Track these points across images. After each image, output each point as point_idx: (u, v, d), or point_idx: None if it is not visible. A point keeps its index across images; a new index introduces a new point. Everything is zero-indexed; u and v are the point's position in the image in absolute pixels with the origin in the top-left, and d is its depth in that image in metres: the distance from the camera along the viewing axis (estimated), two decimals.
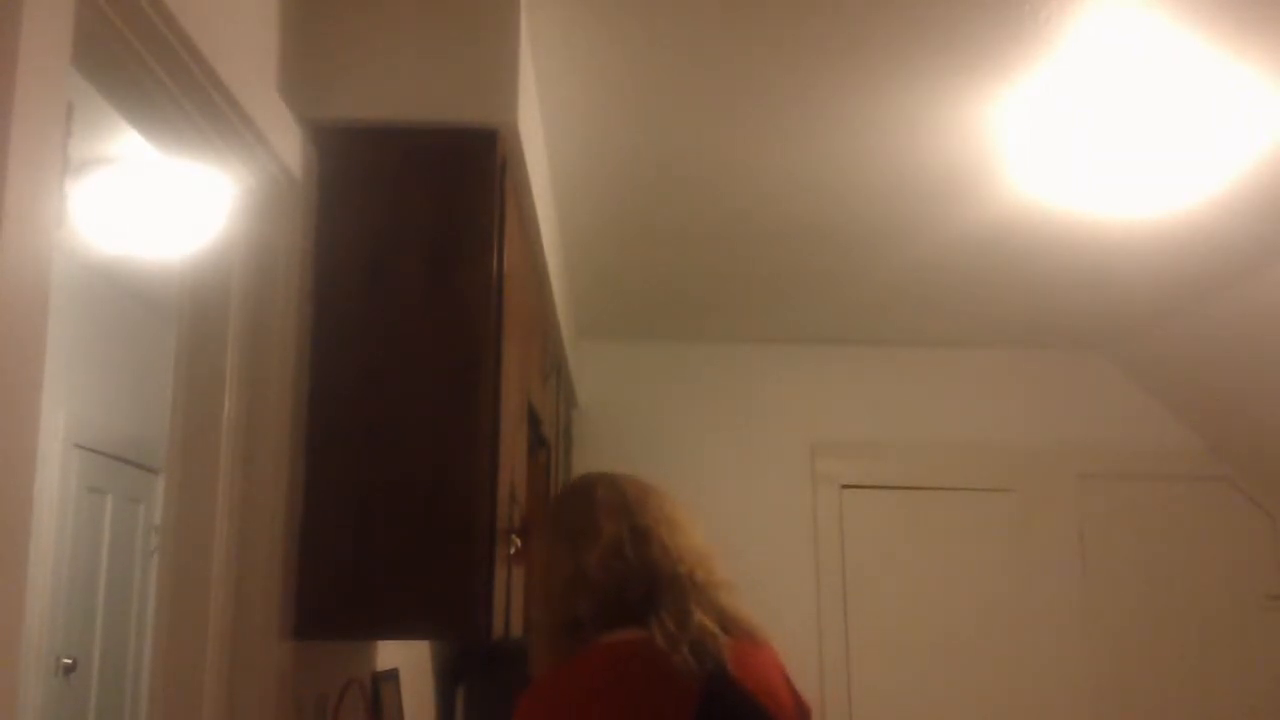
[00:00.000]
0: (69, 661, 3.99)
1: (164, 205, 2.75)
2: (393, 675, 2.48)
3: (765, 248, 3.97)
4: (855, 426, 5.27)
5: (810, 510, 5.17)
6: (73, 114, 1.24)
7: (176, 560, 1.78)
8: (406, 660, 2.73)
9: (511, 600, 2.34)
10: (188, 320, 1.86)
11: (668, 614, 1.66)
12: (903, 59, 2.61)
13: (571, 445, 4.87)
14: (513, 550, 2.25)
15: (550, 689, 1.65)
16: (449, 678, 3.46)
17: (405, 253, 2.00)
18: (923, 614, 5.06)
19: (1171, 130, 2.92)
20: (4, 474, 1.05)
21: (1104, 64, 2.60)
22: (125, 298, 4.30)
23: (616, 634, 1.66)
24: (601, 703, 1.57)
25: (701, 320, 5.00)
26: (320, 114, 2.02)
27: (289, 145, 1.90)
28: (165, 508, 1.84)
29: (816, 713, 1.84)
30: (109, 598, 4.33)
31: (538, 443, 3.17)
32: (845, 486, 5.22)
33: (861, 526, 5.15)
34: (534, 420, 2.88)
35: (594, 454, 5.06)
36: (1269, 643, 5.12)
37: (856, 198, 3.47)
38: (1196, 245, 3.77)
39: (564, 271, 3.87)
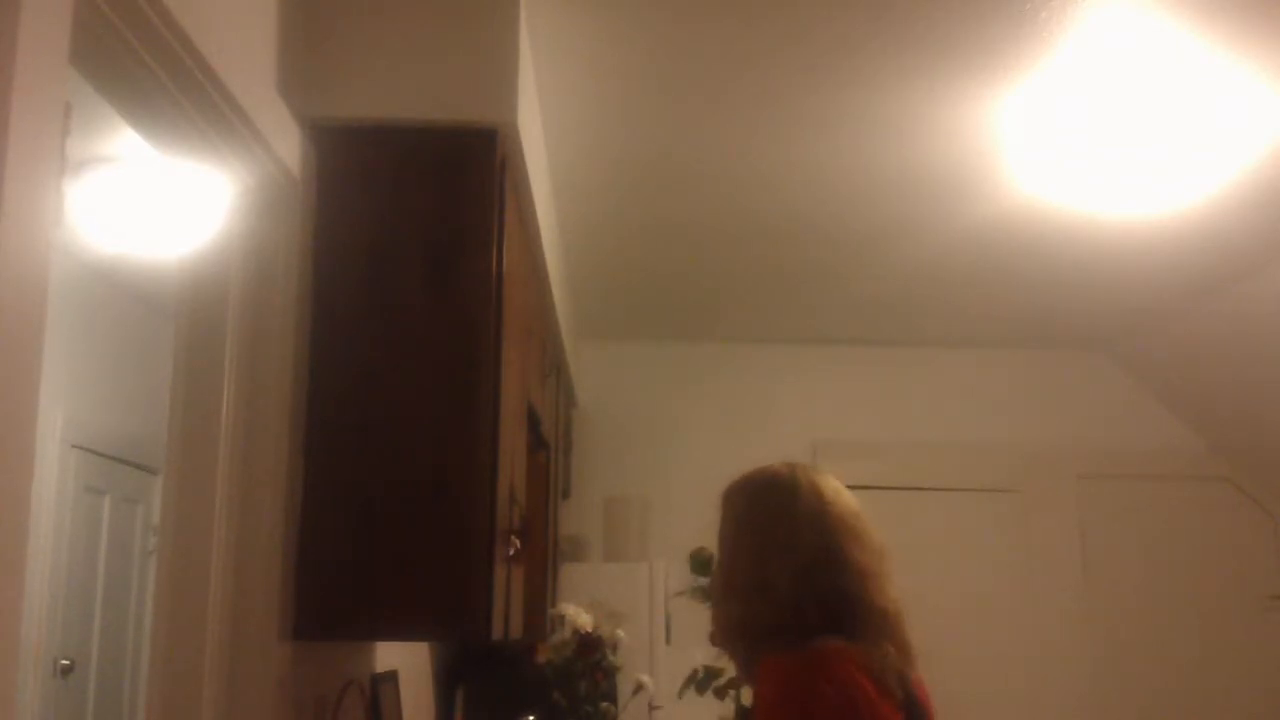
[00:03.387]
0: (67, 662, 3.99)
1: (163, 205, 2.74)
2: (392, 677, 2.47)
3: (765, 247, 3.96)
4: (856, 426, 5.27)
5: None
6: (71, 113, 1.24)
7: (175, 561, 1.77)
8: (406, 661, 2.72)
9: (511, 600, 2.34)
10: (186, 320, 1.85)
11: (864, 638, 1.63)
12: (903, 58, 2.60)
13: (571, 445, 4.87)
14: (512, 551, 2.25)
15: (788, 682, 1.56)
16: (448, 679, 3.46)
17: (405, 252, 1.99)
18: (922, 614, 5.01)
19: (1172, 130, 2.91)
20: (2, 474, 1.04)
21: (1104, 64, 2.60)
22: (124, 297, 4.29)
23: (828, 640, 1.60)
24: (843, 698, 1.54)
25: (702, 320, 5.00)
26: (319, 113, 2.01)
27: (288, 144, 1.90)
28: (164, 508, 1.84)
29: None
30: (107, 598, 4.32)
31: (538, 443, 3.17)
32: (846, 487, 5.20)
33: None
34: (534, 420, 2.88)
35: (594, 454, 5.05)
36: (1269, 643, 5.11)
37: (856, 197, 3.46)
38: (1196, 245, 3.77)
39: (564, 271, 3.87)
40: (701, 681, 3.27)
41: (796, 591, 1.64)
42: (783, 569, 1.66)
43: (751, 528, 1.75)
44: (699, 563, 3.28)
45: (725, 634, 1.73)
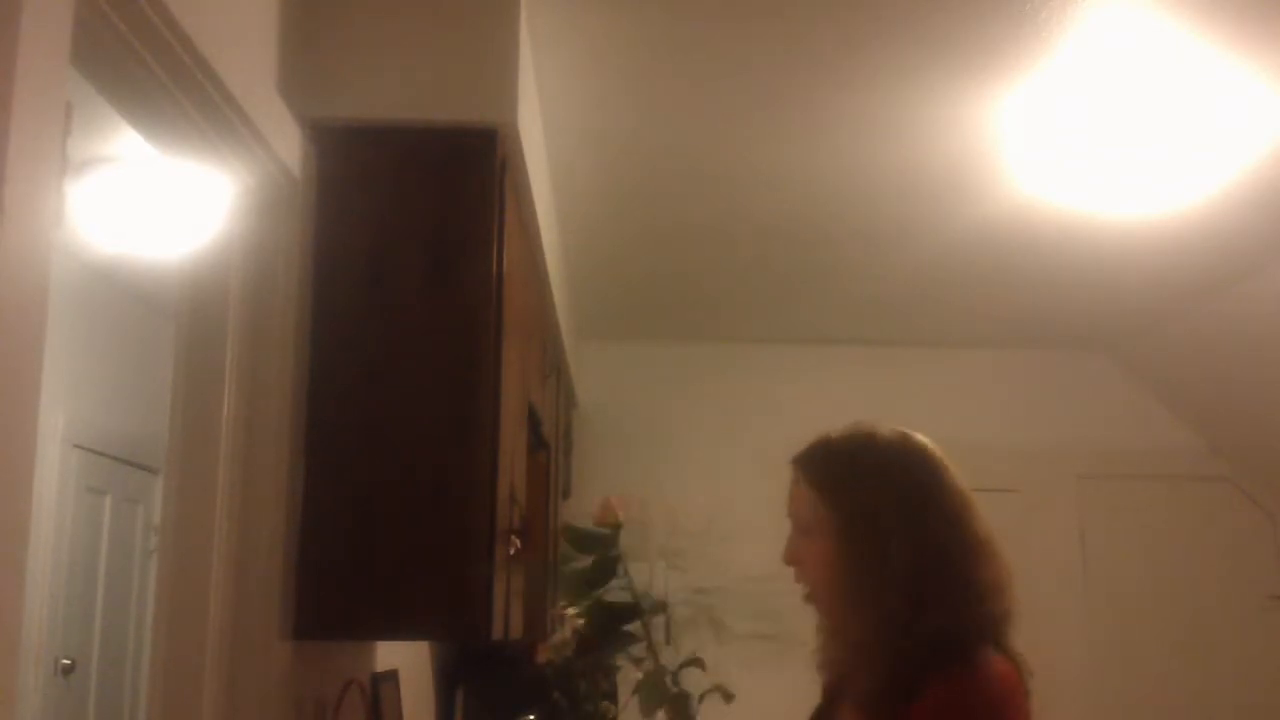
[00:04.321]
0: (68, 662, 3.99)
1: (163, 205, 2.74)
2: (392, 676, 2.47)
3: (766, 247, 3.96)
4: None
5: None
6: (72, 113, 1.24)
7: (176, 560, 1.77)
8: (406, 661, 2.72)
9: (511, 600, 2.34)
10: (187, 320, 1.86)
11: (1006, 640, 1.39)
12: (903, 58, 2.60)
13: (571, 445, 4.87)
14: (512, 551, 2.25)
15: (978, 705, 1.30)
16: (449, 678, 3.46)
17: (405, 252, 1.99)
18: None
19: (1171, 130, 2.91)
20: (3, 474, 1.04)
21: (1104, 64, 2.60)
22: (124, 297, 4.29)
23: (990, 652, 1.35)
24: None
25: (701, 320, 5.00)
26: (320, 113, 2.01)
27: (288, 144, 1.90)
28: (164, 508, 1.84)
29: None
30: (108, 598, 4.33)
31: (538, 443, 3.17)
32: None
33: None
34: (534, 420, 2.88)
35: (594, 454, 5.05)
36: (1269, 643, 5.11)
37: (856, 197, 3.46)
38: (1196, 245, 3.77)
39: (564, 271, 3.87)
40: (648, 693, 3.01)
41: (978, 586, 1.36)
42: (967, 561, 1.37)
43: (911, 509, 1.39)
44: (577, 537, 2.99)
45: (861, 643, 1.37)
